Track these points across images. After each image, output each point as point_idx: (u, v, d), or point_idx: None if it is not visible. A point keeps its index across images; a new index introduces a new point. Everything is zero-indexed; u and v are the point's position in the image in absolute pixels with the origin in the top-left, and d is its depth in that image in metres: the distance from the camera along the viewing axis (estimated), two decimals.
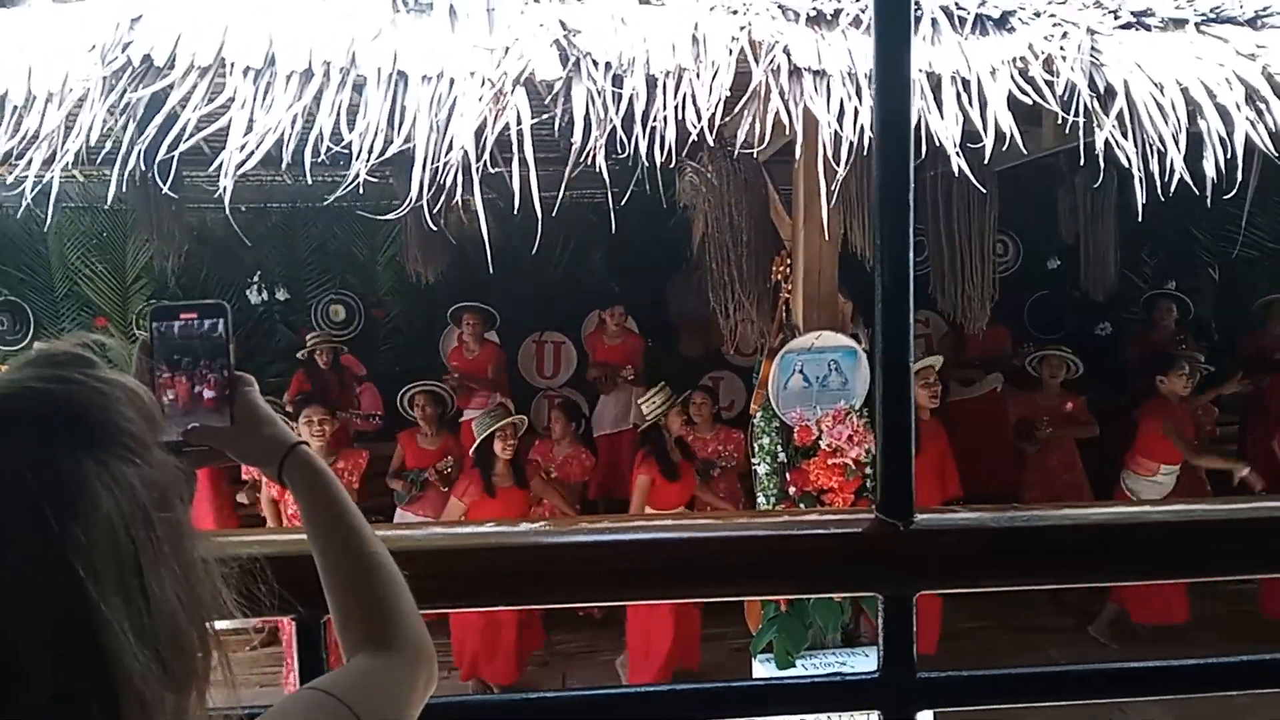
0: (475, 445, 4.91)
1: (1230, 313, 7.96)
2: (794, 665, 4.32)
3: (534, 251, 7.90)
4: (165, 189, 2.78)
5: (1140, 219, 7.09)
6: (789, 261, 4.57)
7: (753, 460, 4.54)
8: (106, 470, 0.59)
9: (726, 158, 4.20)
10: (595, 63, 2.80)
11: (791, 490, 4.39)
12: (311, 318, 7.58)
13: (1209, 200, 3.13)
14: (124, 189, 3.06)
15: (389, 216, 2.86)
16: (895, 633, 1.10)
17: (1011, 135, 2.92)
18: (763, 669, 4.35)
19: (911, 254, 1.08)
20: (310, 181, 4.58)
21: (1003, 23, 3.05)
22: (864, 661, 4.40)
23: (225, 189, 2.55)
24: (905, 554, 1.11)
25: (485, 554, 1.12)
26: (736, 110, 2.84)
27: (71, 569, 0.54)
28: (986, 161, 2.97)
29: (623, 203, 7.73)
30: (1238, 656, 1.17)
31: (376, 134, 2.79)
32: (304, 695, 0.77)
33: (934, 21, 2.97)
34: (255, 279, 7.50)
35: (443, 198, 2.78)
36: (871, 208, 1.04)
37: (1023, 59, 2.90)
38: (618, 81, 2.84)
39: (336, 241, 7.60)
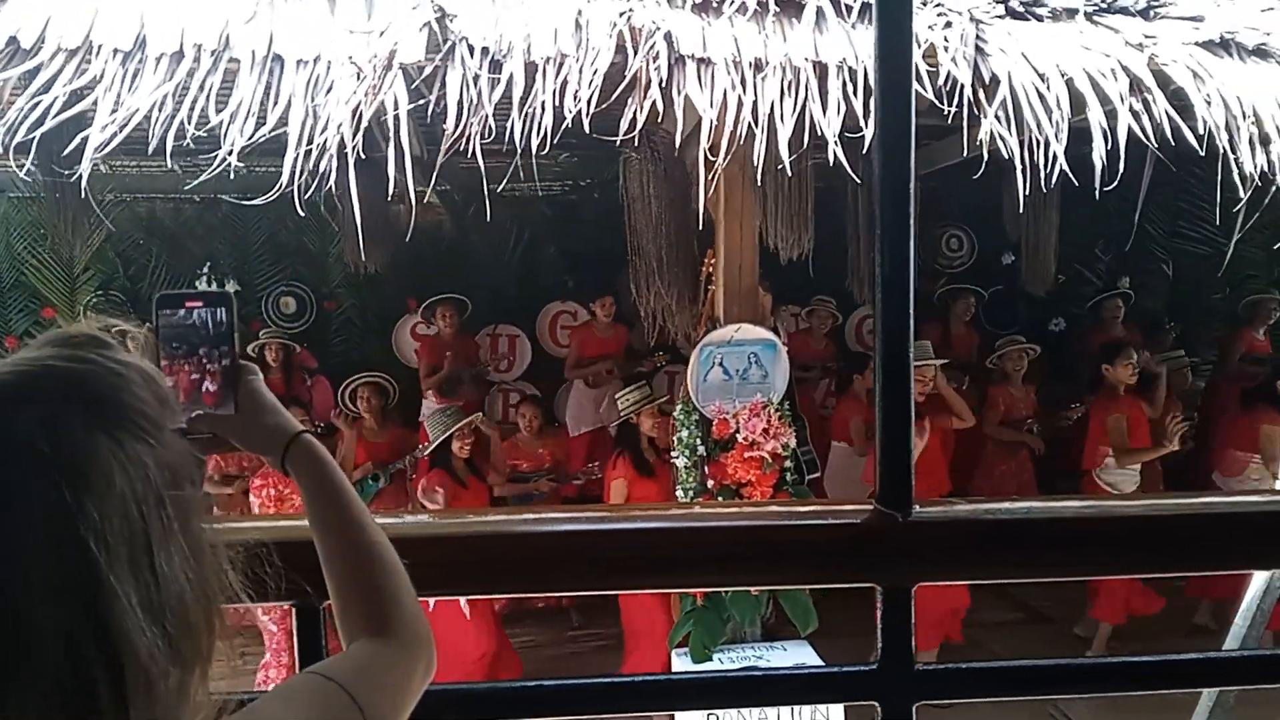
0: (432, 446, 4.83)
1: (1182, 306, 7.96)
2: (710, 659, 4.30)
3: (486, 243, 7.97)
4: (42, 175, 2.72)
5: (1089, 215, 7.11)
6: None
7: (672, 454, 4.52)
8: (121, 448, 0.60)
9: (648, 149, 4.17)
10: (471, 48, 2.77)
11: (710, 483, 4.37)
12: (262, 310, 7.55)
13: (1144, 195, 3.15)
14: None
15: (258, 201, 2.81)
16: (894, 625, 1.10)
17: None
18: (679, 663, 4.32)
19: (913, 244, 1.06)
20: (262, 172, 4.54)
21: None
22: (780, 656, 4.38)
23: (84, 173, 2.51)
24: (903, 545, 1.11)
25: (484, 540, 1.12)
26: (613, 98, 2.81)
27: (83, 542, 0.55)
28: (863, 150, 2.93)
29: (576, 195, 7.78)
30: (1242, 651, 1.21)
31: (249, 117, 2.76)
32: (304, 679, 0.78)
33: (819, 10, 2.94)
34: (205, 270, 7.45)
35: (320, 181, 2.74)
36: (872, 198, 1.02)
37: None
38: (496, 67, 2.81)
39: (288, 233, 7.55)
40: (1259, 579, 2.74)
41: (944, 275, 7.91)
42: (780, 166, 2.91)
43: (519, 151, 2.93)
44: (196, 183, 2.88)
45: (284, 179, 2.75)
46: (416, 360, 7.20)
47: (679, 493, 4.46)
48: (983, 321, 7.86)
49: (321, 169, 2.81)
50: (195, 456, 0.69)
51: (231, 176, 2.76)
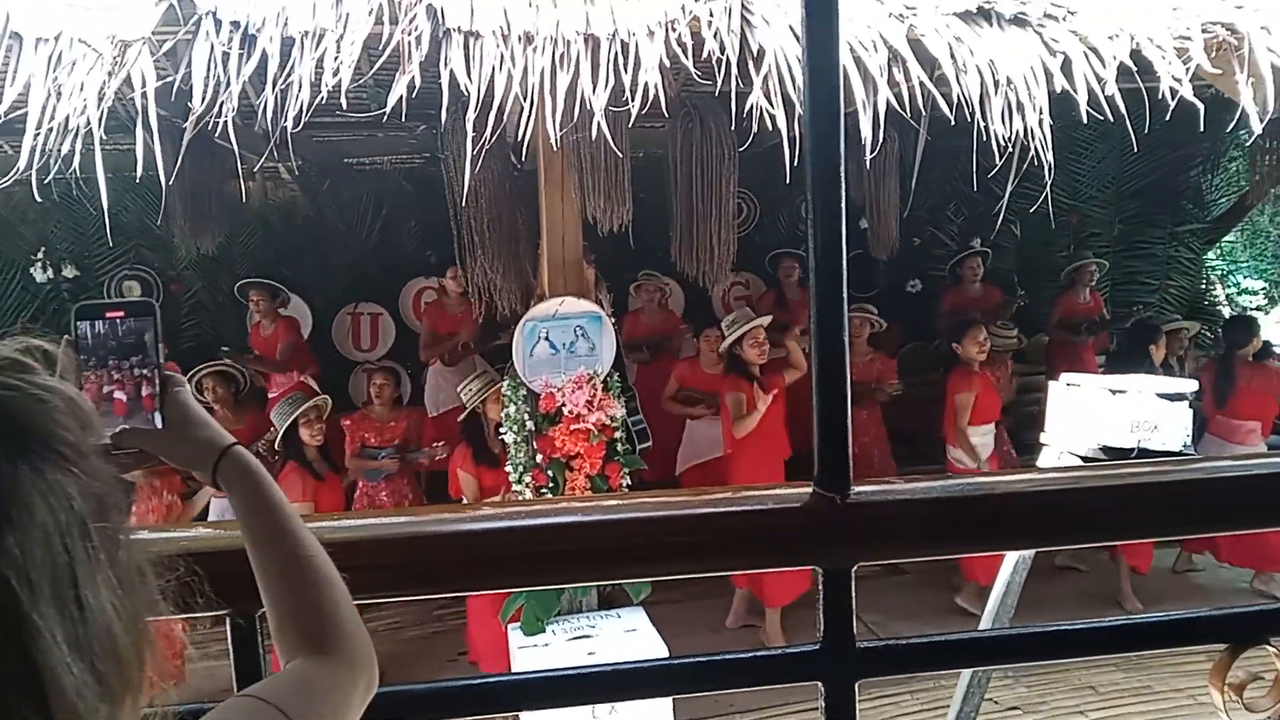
0: (280, 436, 4.70)
1: (1030, 267, 8.28)
2: (543, 631, 4.33)
3: (343, 219, 7.79)
4: None
5: (936, 180, 7.29)
6: None
7: (500, 431, 4.51)
8: (43, 479, 0.57)
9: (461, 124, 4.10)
10: (219, 21, 2.68)
11: (539, 458, 4.38)
12: (104, 295, 7.23)
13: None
14: None
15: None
16: (835, 605, 1.11)
17: None
18: (514, 636, 4.35)
19: (844, 228, 1.06)
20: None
21: None
22: (614, 623, 4.45)
23: None
24: (843, 527, 1.12)
25: (425, 541, 1.10)
26: (366, 76, 2.76)
27: (4, 579, 0.53)
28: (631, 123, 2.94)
29: (436, 167, 7.60)
30: (1166, 614, 1.22)
31: None
32: (240, 703, 0.75)
33: None
34: (40, 255, 7.10)
35: (60, 163, 2.63)
36: (806, 179, 0.98)
37: (674, 22, 2.89)
38: (249, 42, 2.73)
39: (129, 213, 7.22)
40: (1010, 558, 2.87)
41: (805, 240, 8.05)
42: (581, 136, 2.88)
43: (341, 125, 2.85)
44: None
45: (22, 162, 2.62)
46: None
47: (508, 469, 4.47)
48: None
49: (67, 149, 2.70)
50: (123, 482, 0.66)
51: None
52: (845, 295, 1.08)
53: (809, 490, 1.11)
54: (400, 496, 5.36)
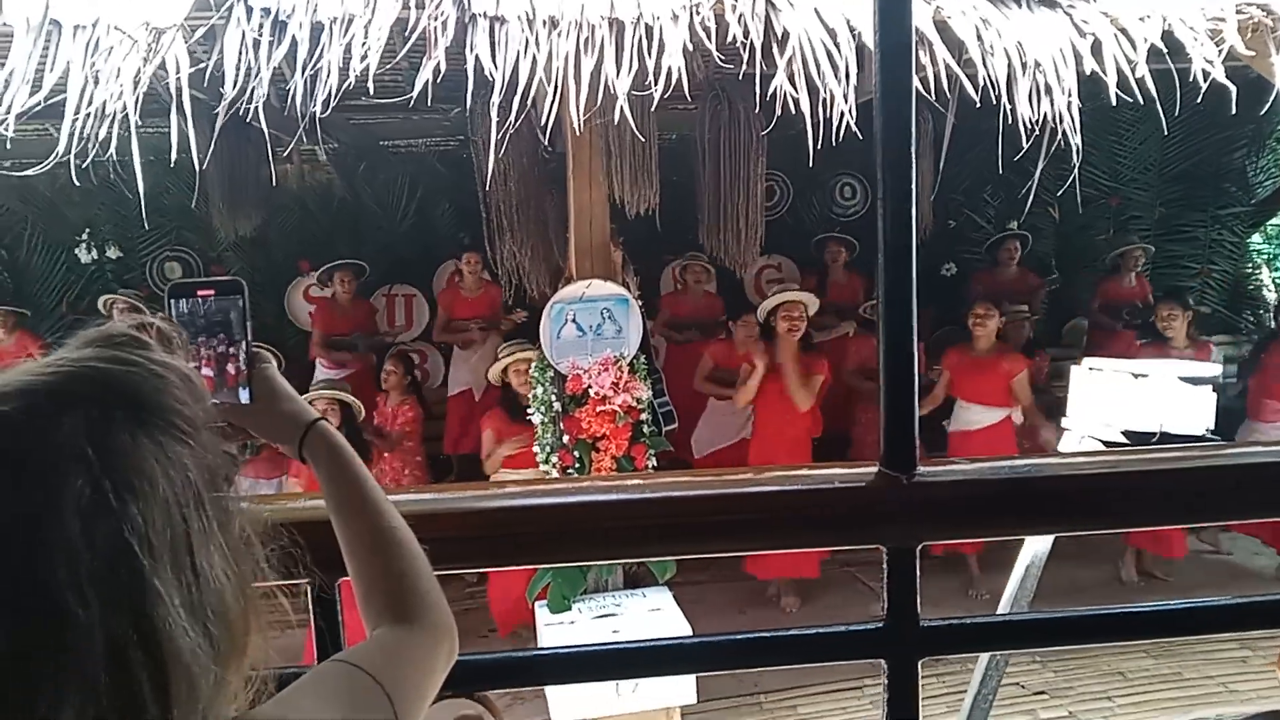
0: None
1: (1069, 250, 8.17)
2: (569, 609, 4.39)
3: (378, 201, 7.87)
4: None
5: (974, 163, 7.18)
6: None
7: (528, 411, 4.57)
8: (163, 451, 0.60)
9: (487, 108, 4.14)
10: (250, 8, 2.74)
11: (566, 438, 4.43)
12: (146, 276, 7.40)
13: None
14: None
15: (31, 172, 2.77)
16: (899, 583, 1.12)
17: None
18: (540, 613, 4.41)
19: (914, 211, 1.06)
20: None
21: None
22: (639, 602, 4.50)
23: None
24: (908, 506, 1.12)
25: (503, 514, 1.14)
26: (399, 59, 2.80)
27: (128, 545, 0.56)
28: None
29: (469, 150, 7.66)
30: (1231, 598, 1.22)
31: (23, 85, 2.70)
32: (333, 668, 0.79)
33: None
34: (84, 237, 7.27)
35: (97, 148, 2.70)
36: (875, 160, 0.98)
37: (698, 5, 2.90)
38: (279, 28, 2.78)
39: (169, 196, 7.37)
40: (1030, 545, 2.86)
41: (838, 223, 8.01)
42: (607, 120, 2.91)
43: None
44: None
45: (61, 146, 2.70)
46: (310, 323, 7.11)
47: (536, 449, 4.52)
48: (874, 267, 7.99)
49: (105, 134, 2.77)
50: (231, 456, 0.69)
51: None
52: (914, 276, 1.06)
53: (874, 469, 1.11)
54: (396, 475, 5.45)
